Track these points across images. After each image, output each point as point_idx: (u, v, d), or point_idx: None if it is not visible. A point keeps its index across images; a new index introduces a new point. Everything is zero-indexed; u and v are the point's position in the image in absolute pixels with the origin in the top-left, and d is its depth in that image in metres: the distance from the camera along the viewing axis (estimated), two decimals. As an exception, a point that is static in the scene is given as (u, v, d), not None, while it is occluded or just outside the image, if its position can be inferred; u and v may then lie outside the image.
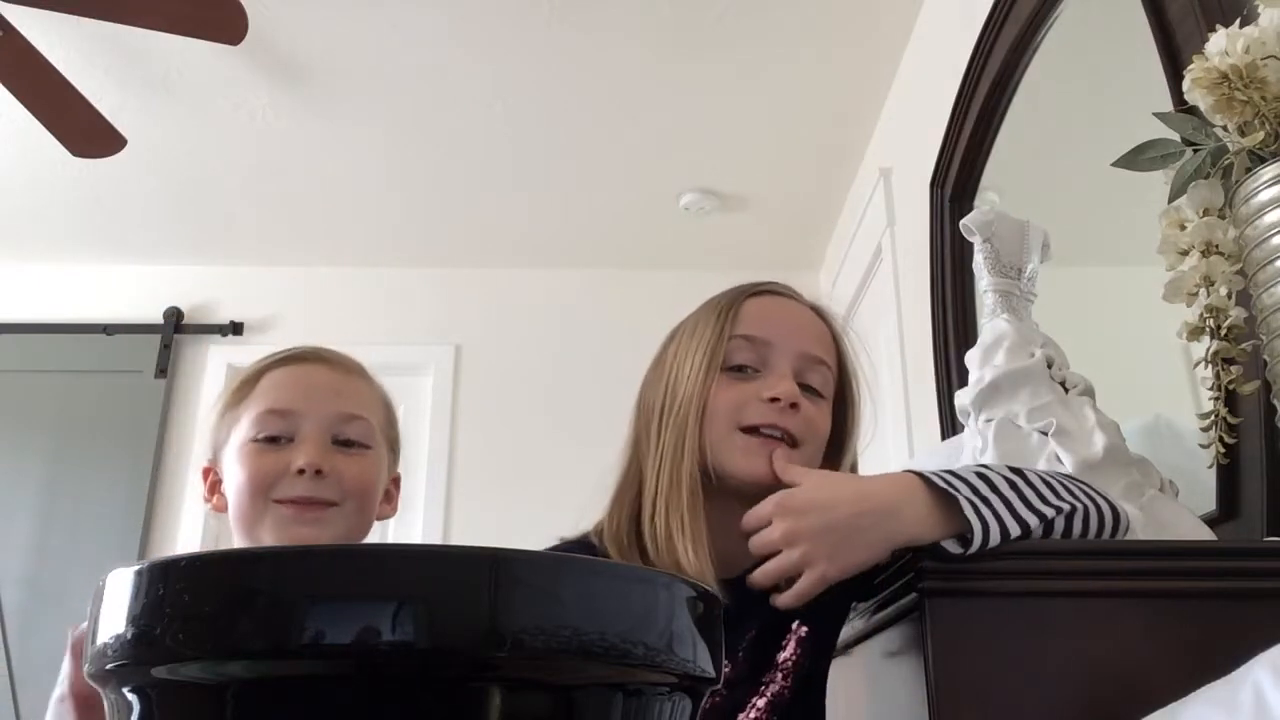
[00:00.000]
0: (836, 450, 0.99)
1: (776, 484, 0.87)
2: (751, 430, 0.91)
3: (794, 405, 0.91)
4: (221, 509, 1.01)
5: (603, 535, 0.95)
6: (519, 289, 3.62)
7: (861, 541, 0.78)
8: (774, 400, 0.91)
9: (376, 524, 1.05)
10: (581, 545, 0.96)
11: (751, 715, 0.87)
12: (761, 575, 0.81)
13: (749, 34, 2.49)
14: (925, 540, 0.76)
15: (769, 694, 0.89)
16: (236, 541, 0.99)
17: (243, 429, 1.00)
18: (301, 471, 0.96)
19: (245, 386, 1.04)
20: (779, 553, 0.80)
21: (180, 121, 2.85)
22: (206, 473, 1.06)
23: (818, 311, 1.01)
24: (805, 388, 0.94)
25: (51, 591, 3.15)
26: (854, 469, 1.02)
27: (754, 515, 0.83)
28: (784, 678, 0.89)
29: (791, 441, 0.92)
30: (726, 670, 0.85)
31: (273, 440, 0.99)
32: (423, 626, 0.34)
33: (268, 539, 0.96)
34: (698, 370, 0.93)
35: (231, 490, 0.99)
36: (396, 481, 1.10)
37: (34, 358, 3.46)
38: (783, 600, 0.81)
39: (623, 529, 0.94)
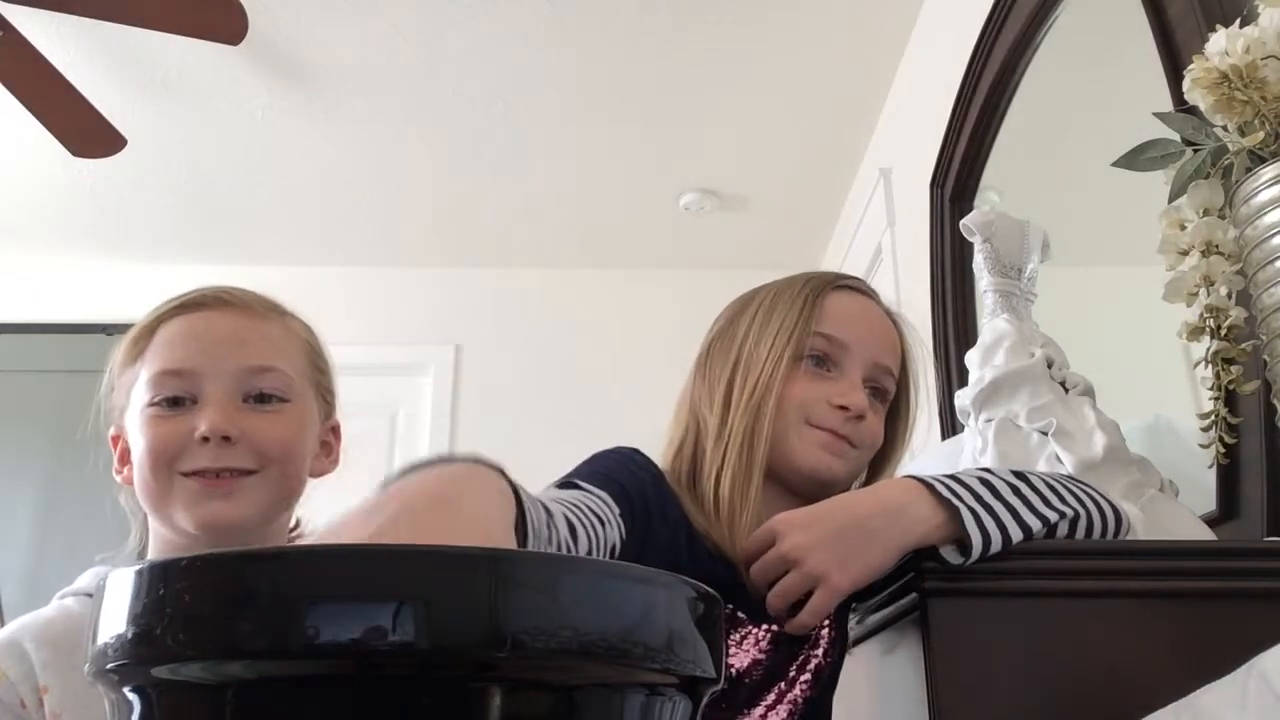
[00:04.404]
0: (881, 460, 0.99)
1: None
2: (818, 426, 0.92)
3: (860, 416, 0.92)
4: (130, 482, 0.90)
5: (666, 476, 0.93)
6: (519, 289, 3.62)
7: (874, 545, 0.75)
8: (842, 408, 0.92)
9: (315, 482, 0.93)
10: (653, 467, 0.92)
11: (796, 690, 0.87)
12: (775, 598, 0.77)
13: (749, 34, 2.49)
14: (933, 542, 0.76)
15: (797, 695, 0.88)
16: (150, 520, 0.89)
17: (140, 391, 0.87)
18: (206, 439, 0.83)
19: (140, 340, 0.90)
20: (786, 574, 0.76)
21: (180, 121, 2.85)
22: (115, 440, 0.93)
23: (892, 318, 1.01)
24: (872, 392, 0.95)
25: (51, 591, 3.14)
26: None
27: (755, 540, 0.79)
28: (812, 679, 0.89)
29: (850, 445, 0.93)
30: (759, 649, 0.84)
31: (174, 403, 0.86)
32: (423, 626, 0.34)
33: (180, 516, 0.85)
34: (776, 358, 0.93)
35: (135, 461, 0.87)
36: (336, 431, 0.97)
37: (34, 358, 3.46)
38: (795, 625, 0.77)
39: (683, 482, 0.93)
